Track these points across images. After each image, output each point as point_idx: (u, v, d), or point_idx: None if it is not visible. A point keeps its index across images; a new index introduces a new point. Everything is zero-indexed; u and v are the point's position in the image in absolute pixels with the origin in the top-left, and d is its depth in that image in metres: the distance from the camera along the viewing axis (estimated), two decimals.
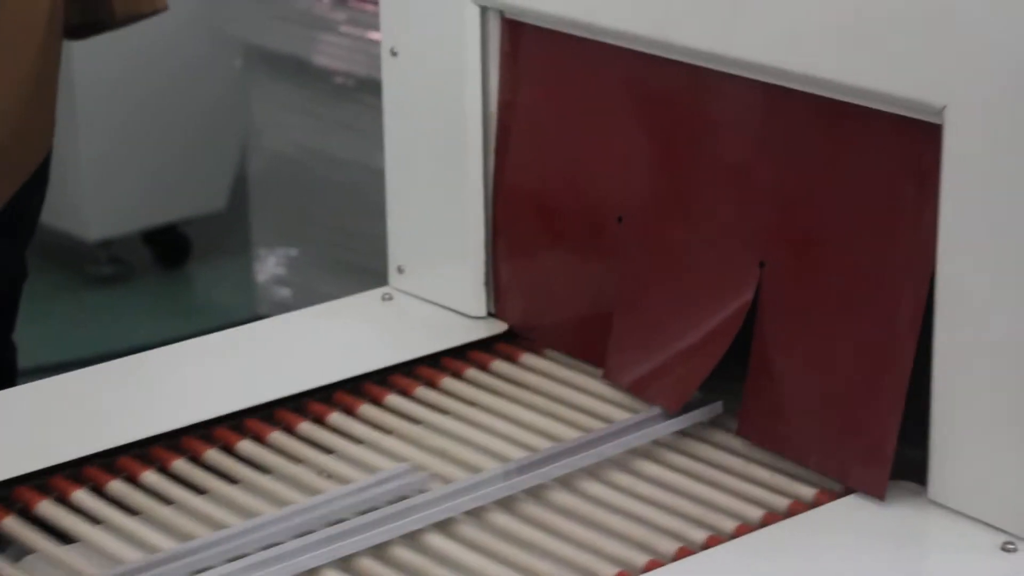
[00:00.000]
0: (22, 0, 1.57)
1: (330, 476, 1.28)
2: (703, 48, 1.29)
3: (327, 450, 1.32)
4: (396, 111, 1.52)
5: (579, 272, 1.44)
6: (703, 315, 1.33)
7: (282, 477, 1.29)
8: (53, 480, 1.27)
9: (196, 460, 1.30)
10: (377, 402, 1.38)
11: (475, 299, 1.50)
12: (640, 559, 1.16)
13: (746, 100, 1.29)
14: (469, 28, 1.45)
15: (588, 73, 1.40)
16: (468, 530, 1.21)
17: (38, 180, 1.69)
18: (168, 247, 3.68)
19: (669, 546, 1.17)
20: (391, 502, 1.22)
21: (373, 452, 1.31)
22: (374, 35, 2.86)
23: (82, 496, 1.25)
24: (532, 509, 1.24)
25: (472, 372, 1.43)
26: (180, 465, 1.29)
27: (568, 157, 1.43)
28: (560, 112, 1.43)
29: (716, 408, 1.33)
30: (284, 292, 3.19)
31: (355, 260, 3.01)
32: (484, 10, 1.45)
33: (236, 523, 1.20)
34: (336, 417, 1.36)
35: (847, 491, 1.23)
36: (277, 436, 1.33)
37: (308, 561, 1.16)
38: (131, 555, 1.18)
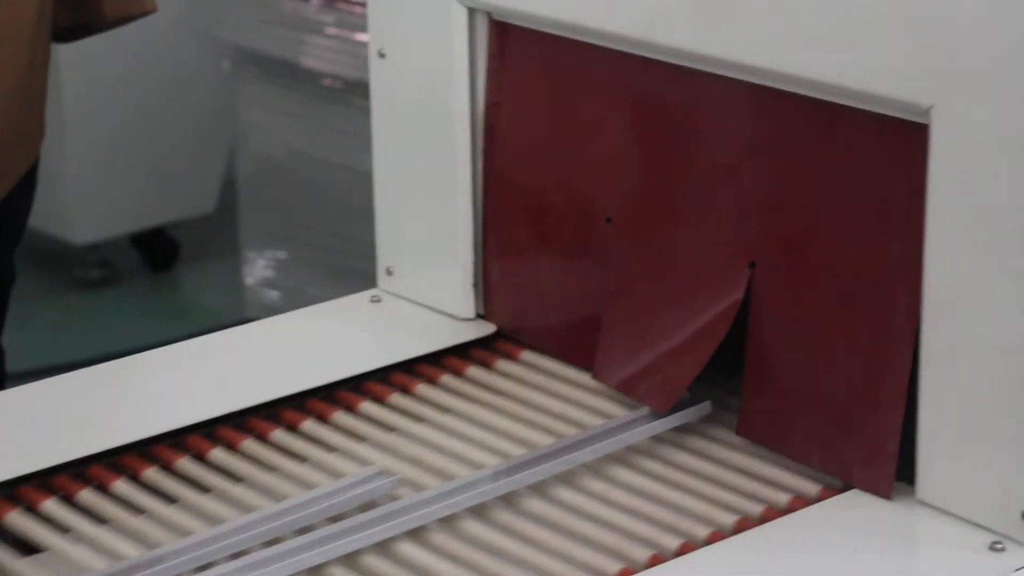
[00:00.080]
0: (10, 3, 1.57)
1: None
2: (691, 49, 1.29)
3: (330, 448, 1.32)
4: (384, 113, 1.52)
5: (568, 273, 1.44)
6: (692, 315, 1.33)
7: (285, 476, 1.28)
8: (53, 480, 1.27)
9: (201, 458, 1.30)
10: (352, 408, 1.38)
11: (464, 301, 1.50)
12: (613, 567, 1.16)
13: (734, 101, 1.29)
14: (456, 30, 1.45)
15: (576, 74, 1.40)
16: (440, 537, 1.21)
17: (27, 183, 1.69)
18: (156, 250, 3.67)
19: (642, 554, 1.17)
20: (362, 506, 1.22)
21: (374, 451, 1.31)
22: (362, 37, 2.86)
23: (52, 505, 1.25)
24: (536, 504, 1.24)
25: (464, 372, 1.43)
26: (183, 463, 1.29)
27: (557, 158, 1.43)
28: (548, 113, 1.43)
29: (704, 408, 1.33)
30: (273, 295, 3.18)
31: (344, 263, 3.01)
32: (471, 11, 1.45)
33: (208, 529, 1.19)
34: (311, 423, 1.35)
35: (841, 490, 1.23)
36: (270, 438, 1.33)
37: (279, 571, 1.15)
38: (97, 564, 1.17)
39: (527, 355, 1.45)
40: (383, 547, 1.19)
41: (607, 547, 1.18)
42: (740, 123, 1.30)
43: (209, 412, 1.35)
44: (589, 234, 1.41)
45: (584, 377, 1.40)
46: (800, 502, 1.23)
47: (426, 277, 1.52)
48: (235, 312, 3.21)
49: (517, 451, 1.30)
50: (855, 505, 1.21)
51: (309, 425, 1.35)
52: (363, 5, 2.47)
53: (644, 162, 1.37)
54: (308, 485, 1.26)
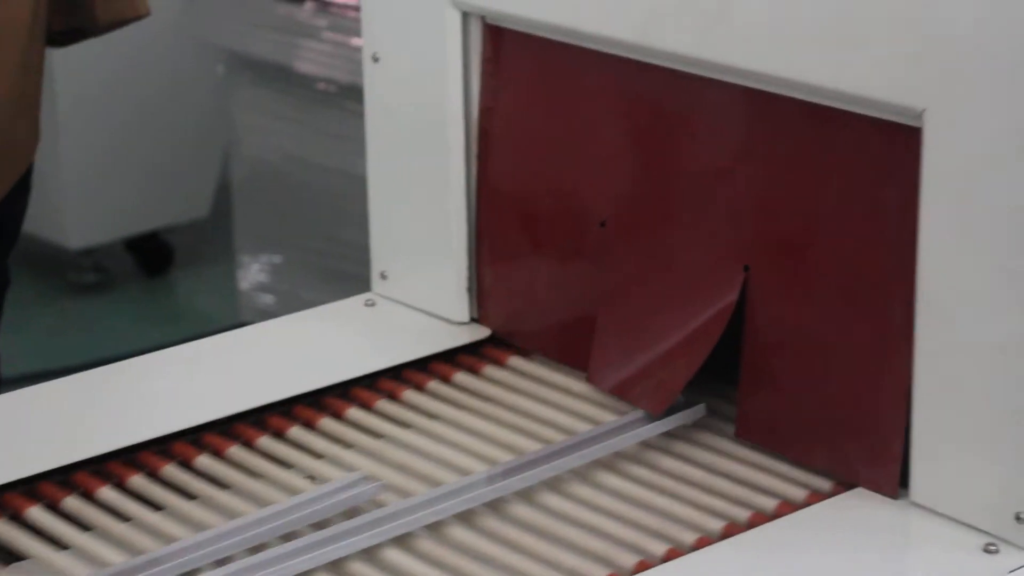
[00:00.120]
0: (3, 7, 1.57)
1: (315, 479, 1.28)
2: (685, 53, 1.29)
3: (317, 455, 1.32)
4: (378, 117, 1.53)
5: (562, 276, 1.44)
6: (686, 319, 1.33)
7: (271, 482, 1.28)
8: (41, 486, 1.27)
9: (186, 464, 1.30)
10: (341, 413, 1.38)
11: (458, 304, 1.50)
12: (599, 573, 1.16)
13: (728, 104, 1.29)
14: (450, 33, 1.45)
15: (570, 78, 1.40)
16: (455, 533, 1.21)
17: (21, 188, 1.69)
18: (151, 255, 3.67)
19: (628, 560, 1.17)
20: (347, 512, 1.21)
21: (360, 457, 1.31)
22: (356, 41, 2.86)
23: (37, 512, 1.25)
24: (523, 510, 1.24)
25: (458, 376, 1.43)
26: (170, 470, 1.29)
27: (551, 162, 1.44)
28: (543, 117, 1.44)
29: (699, 411, 1.34)
30: (268, 299, 3.18)
31: (339, 267, 3.01)
32: (465, 15, 1.45)
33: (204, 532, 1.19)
34: (301, 428, 1.35)
35: (834, 492, 1.23)
36: (264, 441, 1.33)
37: None
38: (80, 571, 1.17)
39: (519, 360, 1.45)
40: (369, 553, 1.18)
41: (595, 553, 1.18)
42: (734, 127, 1.30)
43: (201, 417, 1.34)
44: (583, 238, 1.41)
45: (577, 382, 1.40)
46: (793, 507, 1.23)
47: (420, 281, 1.52)
48: (229, 316, 3.21)
49: (506, 457, 1.29)
50: (849, 507, 1.21)
51: (295, 432, 1.35)
52: (357, 9, 2.46)
53: (638, 166, 1.37)
54: (296, 491, 1.26)
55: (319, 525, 1.20)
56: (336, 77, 2.94)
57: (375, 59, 1.51)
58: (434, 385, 1.42)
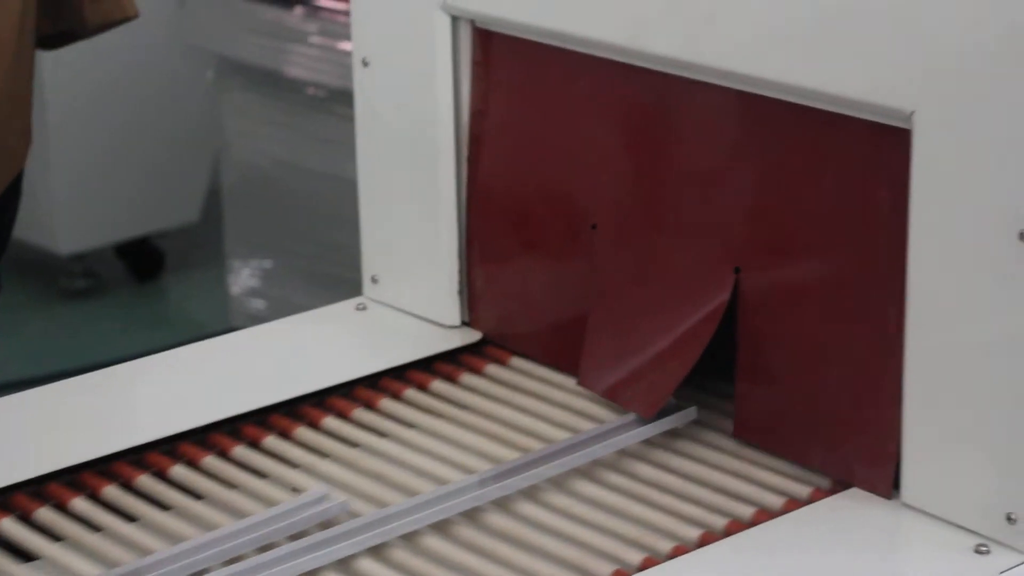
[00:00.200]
0: None
1: (300, 491, 1.27)
2: (674, 56, 1.29)
3: (323, 455, 1.32)
4: (368, 121, 1.53)
5: (554, 280, 1.44)
6: (677, 321, 1.33)
7: (246, 492, 1.27)
8: (14, 497, 1.26)
9: (161, 476, 1.29)
10: (343, 414, 1.38)
11: (449, 308, 1.50)
12: None
13: (718, 107, 1.29)
14: (440, 38, 1.45)
15: (560, 81, 1.40)
16: (401, 554, 1.20)
17: (11, 193, 1.69)
18: (141, 260, 3.67)
19: (605, 569, 1.16)
20: (322, 524, 1.20)
21: (339, 467, 1.31)
22: (345, 46, 2.86)
23: (8, 524, 1.24)
24: (499, 520, 1.24)
25: (445, 381, 1.43)
26: (143, 481, 1.28)
27: (541, 165, 1.44)
28: (533, 120, 1.44)
29: (690, 414, 1.34)
30: (259, 304, 3.18)
31: (330, 271, 3.01)
32: (455, 20, 1.45)
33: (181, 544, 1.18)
34: (302, 431, 1.35)
35: (828, 492, 1.24)
36: (240, 450, 1.32)
37: None
38: None
39: (512, 363, 1.45)
40: (343, 564, 1.17)
41: (570, 562, 1.17)
42: (724, 129, 1.30)
43: (200, 420, 1.34)
44: (574, 241, 1.41)
45: (567, 385, 1.41)
46: (786, 507, 1.23)
47: (411, 285, 1.52)
48: (220, 321, 3.21)
49: (488, 464, 1.29)
50: (842, 508, 1.21)
51: (302, 432, 1.35)
52: (346, 14, 2.47)
53: (629, 168, 1.37)
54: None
55: (293, 536, 1.20)
56: (326, 82, 2.94)
57: (365, 63, 1.51)
58: (431, 386, 1.42)
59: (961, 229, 1.15)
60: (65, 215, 3.47)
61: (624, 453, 1.30)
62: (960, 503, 1.17)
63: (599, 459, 1.29)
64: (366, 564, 1.18)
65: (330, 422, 1.37)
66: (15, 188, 1.70)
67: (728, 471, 1.27)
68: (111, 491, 1.27)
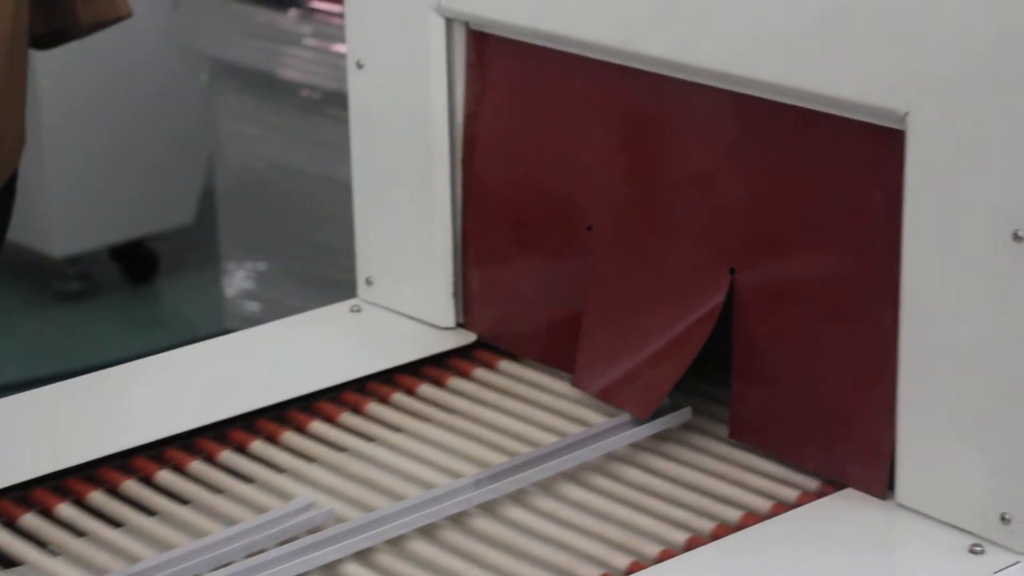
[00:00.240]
0: None
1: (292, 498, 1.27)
2: (669, 58, 1.29)
3: (309, 459, 1.32)
4: (362, 123, 1.53)
5: (549, 281, 1.44)
6: (673, 322, 1.33)
7: (234, 497, 1.27)
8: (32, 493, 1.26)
9: (148, 481, 1.29)
10: (332, 418, 1.38)
11: (444, 310, 1.50)
12: None
13: (713, 108, 1.29)
14: (434, 40, 1.45)
15: (555, 83, 1.40)
16: (450, 536, 1.20)
17: (6, 194, 1.69)
18: (136, 262, 3.66)
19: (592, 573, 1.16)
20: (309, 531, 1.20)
21: (329, 472, 1.31)
22: (340, 48, 2.86)
23: (31, 519, 1.24)
24: (485, 524, 1.23)
25: (446, 381, 1.43)
26: (130, 485, 1.28)
27: (536, 167, 1.44)
28: (527, 122, 1.44)
29: (685, 414, 1.34)
30: (253, 306, 3.18)
31: (324, 273, 3.01)
32: (449, 21, 1.46)
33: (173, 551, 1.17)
34: (290, 435, 1.35)
35: (821, 494, 1.24)
36: (229, 455, 1.32)
37: None
38: None
39: (506, 364, 1.45)
40: (329, 569, 1.17)
41: (557, 566, 1.17)
42: (719, 130, 1.30)
43: (187, 424, 1.34)
44: (569, 242, 1.41)
45: (563, 385, 1.41)
46: (783, 507, 1.23)
47: (406, 287, 1.52)
48: (215, 324, 3.21)
49: (498, 459, 1.29)
50: (837, 508, 1.22)
51: (288, 436, 1.35)
52: (341, 16, 2.46)
53: (624, 170, 1.37)
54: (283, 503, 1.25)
55: (281, 543, 1.19)
56: (320, 84, 2.94)
57: (359, 65, 1.51)
58: (423, 389, 1.42)
59: (955, 230, 1.15)
60: (59, 217, 3.47)
61: (632, 447, 1.30)
62: (955, 503, 1.18)
63: (587, 463, 1.29)
64: (352, 569, 1.18)
65: (316, 426, 1.36)
66: (9, 189, 1.69)
67: (723, 472, 1.28)
68: (97, 496, 1.26)
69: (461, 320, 1.50)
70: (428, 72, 1.46)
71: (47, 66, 3.21)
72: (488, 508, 1.24)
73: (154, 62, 3.47)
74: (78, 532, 1.22)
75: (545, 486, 1.27)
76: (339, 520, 1.21)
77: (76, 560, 1.19)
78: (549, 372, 1.43)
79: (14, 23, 1.59)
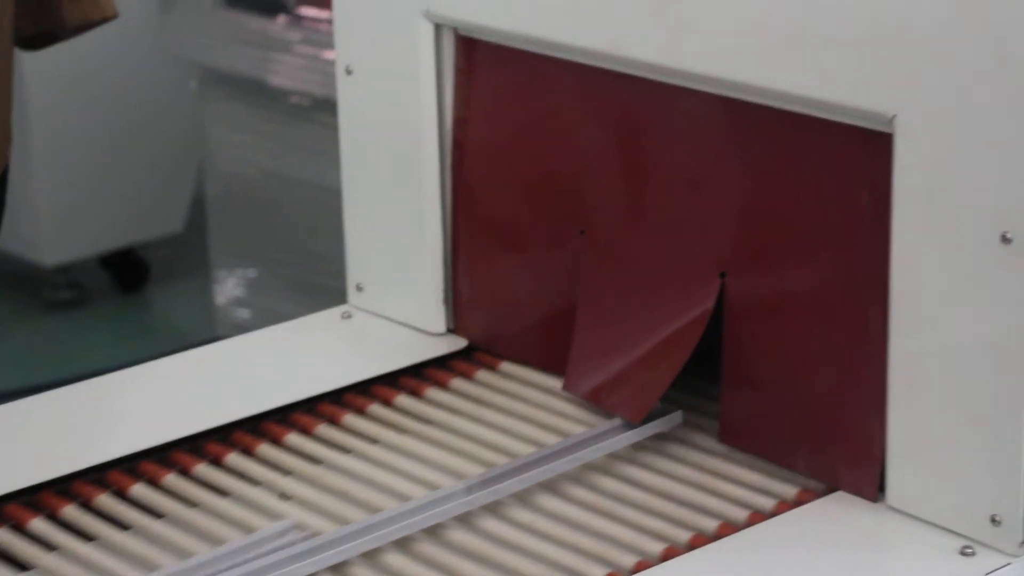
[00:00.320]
0: None
1: (289, 498, 1.27)
2: (657, 62, 1.30)
3: (286, 471, 1.32)
4: (352, 129, 1.53)
5: (540, 286, 1.44)
6: (663, 326, 1.33)
7: (240, 500, 1.27)
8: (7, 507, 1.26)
9: (122, 496, 1.28)
10: (334, 421, 1.38)
11: (435, 316, 1.50)
12: None
13: (702, 113, 1.30)
14: (423, 45, 1.45)
15: (543, 88, 1.41)
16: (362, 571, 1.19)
17: None
18: (126, 271, 3.66)
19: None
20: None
21: (330, 473, 1.31)
22: (329, 54, 2.86)
23: (37, 523, 1.24)
24: (460, 535, 1.23)
25: (435, 387, 1.43)
26: (137, 489, 1.28)
27: (525, 172, 1.44)
28: (516, 127, 1.44)
29: (675, 418, 1.34)
30: (244, 313, 3.18)
31: (315, 279, 3.01)
32: (438, 27, 1.46)
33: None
34: (292, 437, 1.35)
35: (815, 496, 1.24)
36: (233, 458, 1.32)
37: None
38: None
39: (498, 368, 1.45)
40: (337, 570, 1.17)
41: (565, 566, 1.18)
42: (708, 135, 1.31)
43: (188, 429, 1.34)
44: (559, 247, 1.41)
45: (554, 390, 1.41)
46: (773, 510, 1.23)
47: (396, 293, 1.53)
48: (205, 331, 3.21)
49: (481, 469, 1.29)
50: (828, 511, 1.22)
51: (292, 438, 1.35)
52: (330, 23, 2.47)
53: (613, 175, 1.37)
54: (296, 497, 1.25)
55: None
56: (310, 90, 2.94)
57: (348, 72, 1.51)
58: (419, 393, 1.42)
59: (943, 232, 1.15)
60: (49, 226, 3.47)
61: (614, 456, 1.30)
62: (945, 505, 1.18)
63: (590, 463, 1.29)
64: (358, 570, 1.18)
65: (321, 430, 1.37)
66: None
67: (717, 474, 1.28)
68: (70, 511, 1.26)
69: (452, 326, 1.50)
70: (417, 78, 1.46)
71: (36, 74, 3.21)
72: (463, 519, 1.23)
73: (144, 70, 3.47)
74: (50, 547, 1.22)
75: (549, 486, 1.27)
76: (315, 533, 1.21)
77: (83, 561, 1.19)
78: (542, 378, 1.43)
79: (0, 24, 1.59)
